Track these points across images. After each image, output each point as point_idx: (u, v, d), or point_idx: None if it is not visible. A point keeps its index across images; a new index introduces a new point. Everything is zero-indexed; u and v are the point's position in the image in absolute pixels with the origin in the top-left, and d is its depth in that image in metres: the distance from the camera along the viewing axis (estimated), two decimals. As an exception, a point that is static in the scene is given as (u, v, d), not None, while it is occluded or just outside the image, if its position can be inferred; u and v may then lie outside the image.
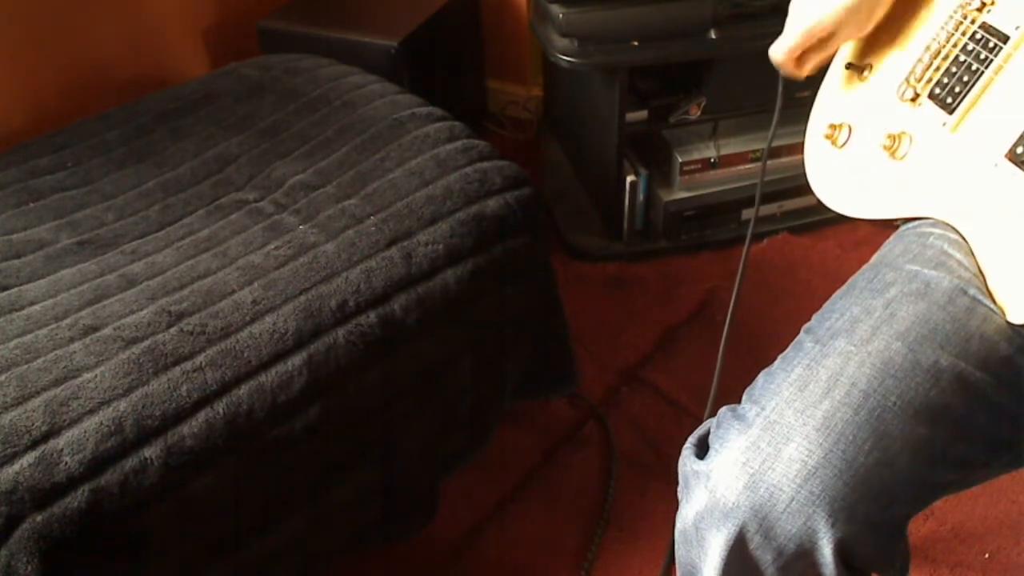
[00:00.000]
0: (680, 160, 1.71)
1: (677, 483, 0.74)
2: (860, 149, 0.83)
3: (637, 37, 1.57)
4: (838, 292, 0.75)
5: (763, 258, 1.77)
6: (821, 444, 0.63)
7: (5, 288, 1.03)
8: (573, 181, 1.99)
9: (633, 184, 1.72)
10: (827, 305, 0.74)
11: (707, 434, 0.71)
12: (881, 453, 0.62)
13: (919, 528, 1.25)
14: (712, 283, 1.72)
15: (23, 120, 1.52)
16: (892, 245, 0.77)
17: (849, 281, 0.75)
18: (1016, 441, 0.68)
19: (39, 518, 0.79)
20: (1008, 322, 0.66)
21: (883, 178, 0.79)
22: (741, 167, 1.75)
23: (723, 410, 0.71)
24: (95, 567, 0.83)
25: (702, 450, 0.71)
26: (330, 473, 1.01)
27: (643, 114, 1.68)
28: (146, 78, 1.71)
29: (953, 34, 0.75)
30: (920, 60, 0.78)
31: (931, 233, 0.74)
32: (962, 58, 0.73)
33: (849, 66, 0.86)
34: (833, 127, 0.85)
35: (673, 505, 0.74)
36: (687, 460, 0.71)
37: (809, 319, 0.74)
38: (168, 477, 0.85)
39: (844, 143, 0.84)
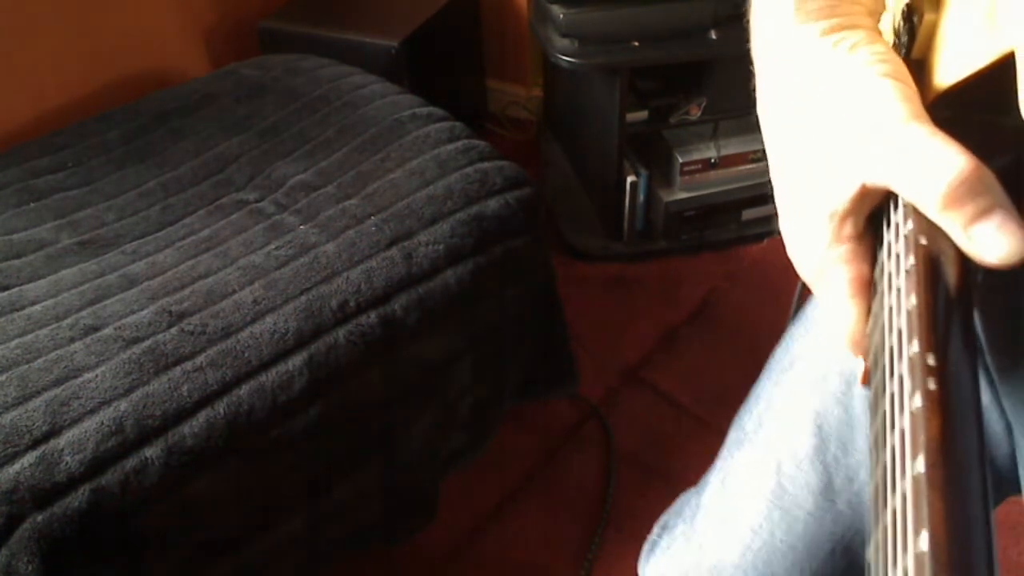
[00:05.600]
0: (680, 160, 1.71)
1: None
2: None
3: (637, 37, 1.57)
4: (766, 365, 0.69)
5: (763, 258, 1.77)
6: (719, 560, 0.64)
7: (6, 288, 1.03)
8: (573, 181, 1.98)
9: (633, 184, 1.72)
10: (754, 387, 0.68)
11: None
12: None
13: (919, 528, 1.25)
14: (712, 283, 1.72)
15: (23, 120, 1.52)
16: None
17: (776, 349, 0.69)
18: None
19: (40, 518, 0.79)
20: None
21: None
22: (741, 167, 1.75)
23: (680, 498, 0.73)
24: (95, 567, 0.83)
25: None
26: (330, 473, 1.01)
27: (643, 114, 1.67)
28: (146, 78, 1.71)
29: None
30: None
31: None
32: None
33: None
34: None
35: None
36: (644, 549, 0.75)
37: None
38: (168, 477, 0.85)
39: None
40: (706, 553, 0.65)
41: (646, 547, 0.74)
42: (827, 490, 0.58)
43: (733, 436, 0.67)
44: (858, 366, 0.37)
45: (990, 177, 0.31)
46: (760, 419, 0.64)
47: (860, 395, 0.56)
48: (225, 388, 0.91)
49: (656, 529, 0.74)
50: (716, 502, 0.66)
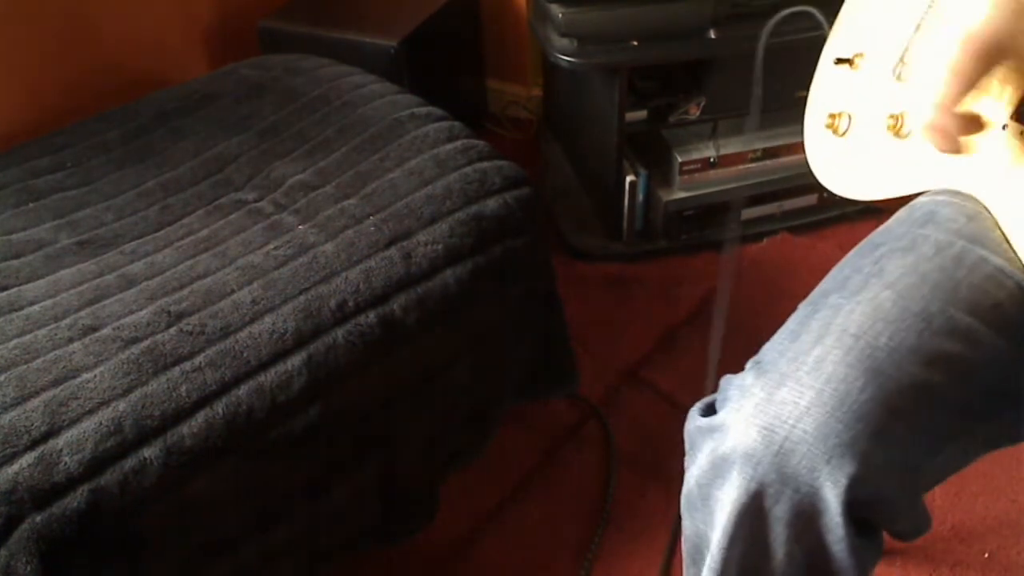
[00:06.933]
0: (680, 160, 1.71)
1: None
2: (864, 134, 0.84)
3: (637, 37, 1.57)
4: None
5: (763, 258, 1.77)
6: (811, 385, 0.64)
7: (4, 288, 1.03)
8: (573, 181, 1.98)
9: (633, 184, 1.72)
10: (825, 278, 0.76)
11: (712, 401, 0.73)
12: (875, 390, 0.63)
13: (919, 528, 1.25)
14: (712, 283, 1.72)
15: (23, 120, 1.52)
16: (888, 221, 0.79)
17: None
18: (1015, 393, 0.68)
19: (39, 518, 0.79)
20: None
21: (892, 158, 0.80)
22: (741, 167, 1.75)
23: (725, 376, 0.72)
24: (95, 567, 0.83)
25: (708, 413, 0.72)
26: (330, 473, 1.01)
27: (643, 114, 1.68)
28: (146, 78, 1.71)
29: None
30: (912, 40, 0.79)
31: (919, 200, 0.76)
32: None
33: (839, 60, 0.87)
34: (833, 116, 0.86)
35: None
36: (693, 419, 0.72)
37: None
38: (167, 477, 0.85)
39: (845, 131, 0.86)
40: (778, 382, 0.65)
41: (693, 412, 0.73)
42: (924, 312, 0.65)
43: (795, 311, 0.71)
44: None
45: None
46: (836, 284, 0.70)
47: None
48: (224, 388, 0.91)
49: (697, 407, 0.74)
50: (781, 349, 0.68)
